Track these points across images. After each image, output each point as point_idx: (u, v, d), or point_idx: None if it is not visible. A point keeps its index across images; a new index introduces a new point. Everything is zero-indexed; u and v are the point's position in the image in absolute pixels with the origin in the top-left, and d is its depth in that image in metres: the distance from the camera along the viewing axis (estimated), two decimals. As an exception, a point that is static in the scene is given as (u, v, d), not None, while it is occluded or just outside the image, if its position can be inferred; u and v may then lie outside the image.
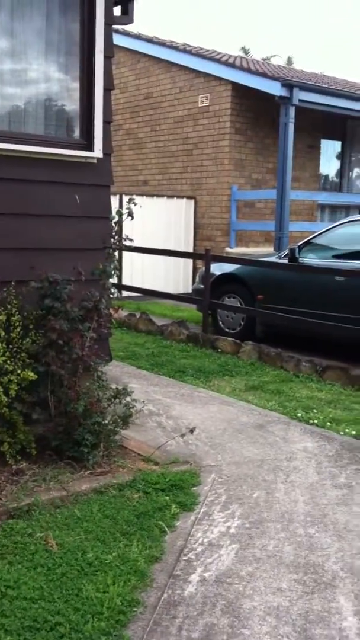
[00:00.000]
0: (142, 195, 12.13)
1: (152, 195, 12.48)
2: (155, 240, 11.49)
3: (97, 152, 4.43)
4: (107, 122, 4.52)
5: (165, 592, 2.80)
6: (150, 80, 13.69)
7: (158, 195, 12.50)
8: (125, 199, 11.62)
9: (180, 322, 8.36)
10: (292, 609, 2.72)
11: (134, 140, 14.24)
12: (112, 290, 4.25)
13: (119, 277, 10.97)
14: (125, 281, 11.07)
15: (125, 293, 11.19)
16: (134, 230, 11.47)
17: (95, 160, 4.48)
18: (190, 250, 12.71)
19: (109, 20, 4.46)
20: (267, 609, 2.71)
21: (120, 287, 10.69)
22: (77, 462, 3.93)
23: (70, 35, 4.46)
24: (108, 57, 4.47)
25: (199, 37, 60.48)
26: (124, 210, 4.11)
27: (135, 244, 7.89)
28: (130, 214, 4.09)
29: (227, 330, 8.48)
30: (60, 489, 3.62)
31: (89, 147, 4.44)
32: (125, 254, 10.63)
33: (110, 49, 4.52)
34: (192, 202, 12.84)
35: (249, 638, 2.52)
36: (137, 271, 11.48)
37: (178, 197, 12.70)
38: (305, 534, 3.35)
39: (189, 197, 12.81)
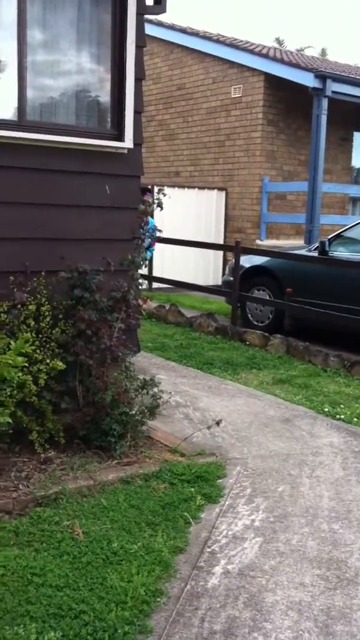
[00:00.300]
0: (173, 186, 12.13)
1: (183, 187, 12.46)
2: (186, 232, 11.49)
3: (128, 142, 4.43)
4: (137, 112, 4.51)
5: (188, 584, 2.82)
6: (183, 71, 13.64)
7: (189, 187, 12.49)
8: (155, 189, 11.66)
9: (209, 314, 8.34)
10: (314, 604, 2.71)
11: (166, 131, 14.22)
12: (141, 281, 4.25)
13: (150, 269, 11.01)
14: (156, 272, 11.09)
15: (155, 284, 11.24)
16: (164, 222, 11.52)
17: (125, 151, 4.48)
18: (221, 242, 12.68)
19: (141, 9, 4.44)
20: (290, 603, 2.71)
21: (150, 278, 10.74)
22: (105, 452, 3.96)
23: (102, 25, 4.45)
24: (140, 47, 4.46)
25: (233, 27, 60.01)
26: (155, 201, 4.10)
27: (166, 235, 7.86)
28: (160, 205, 4.09)
29: (255, 323, 8.45)
30: (87, 478, 3.65)
31: (120, 137, 4.44)
32: (156, 245, 10.65)
33: (142, 38, 4.50)
34: (223, 193, 12.79)
35: (271, 632, 2.52)
36: (167, 262, 11.49)
37: (209, 188, 12.67)
38: (330, 530, 3.33)
39: (220, 189, 12.76)
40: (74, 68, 4.45)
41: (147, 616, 2.58)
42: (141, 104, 4.60)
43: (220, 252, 12.54)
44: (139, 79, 4.55)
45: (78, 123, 4.49)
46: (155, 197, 4.14)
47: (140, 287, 4.23)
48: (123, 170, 4.53)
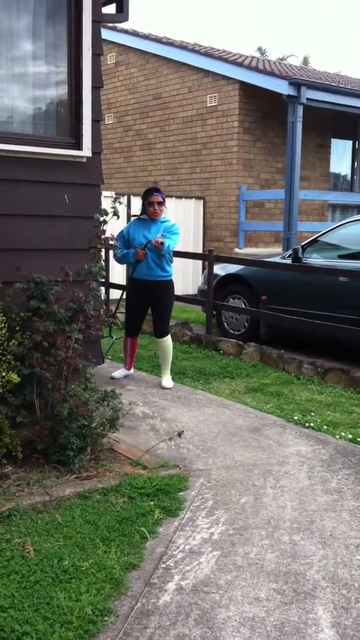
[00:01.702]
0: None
1: (160, 196, 12.41)
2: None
3: (86, 150, 4.38)
4: (96, 121, 4.47)
5: (139, 601, 2.73)
6: (159, 80, 13.63)
7: (167, 196, 12.42)
8: (134, 199, 11.62)
9: (184, 323, 8.28)
10: (268, 619, 2.63)
11: (144, 141, 14.20)
12: (99, 290, 4.18)
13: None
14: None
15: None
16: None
17: (84, 159, 4.43)
18: (200, 251, 12.63)
19: (97, 17, 4.40)
20: (242, 619, 2.63)
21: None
22: (63, 466, 3.87)
23: (59, 33, 4.40)
24: (97, 55, 4.42)
25: (216, 38, 60.43)
26: (110, 210, 4.03)
27: None
28: (116, 214, 4.02)
29: (231, 331, 8.39)
30: (43, 493, 3.57)
31: (78, 146, 4.39)
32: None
33: (99, 46, 4.46)
34: (200, 202, 12.76)
35: (221, 650, 2.44)
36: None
37: (187, 197, 12.63)
38: (290, 541, 3.26)
39: (197, 198, 12.73)
40: (31, 77, 4.40)
41: (93, 636, 2.49)
42: (99, 112, 4.55)
43: (200, 262, 12.49)
44: (97, 87, 4.51)
45: (35, 132, 4.43)
46: (111, 206, 4.07)
47: (99, 297, 4.15)
48: (82, 179, 4.48)
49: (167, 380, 5.97)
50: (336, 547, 3.21)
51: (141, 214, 5.98)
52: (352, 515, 3.54)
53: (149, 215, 5.85)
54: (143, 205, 5.93)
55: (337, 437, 4.77)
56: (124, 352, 6.30)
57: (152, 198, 5.80)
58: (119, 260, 5.97)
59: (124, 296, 6.36)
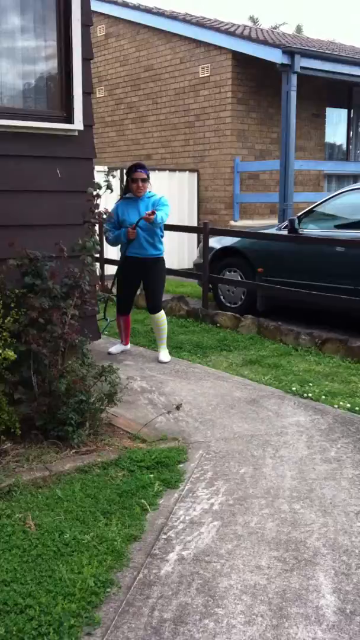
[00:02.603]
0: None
1: (154, 169, 12.29)
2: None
3: (78, 124, 4.32)
4: (87, 93, 4.41)
5: (141, 572, 2.75)
6: (150, 52, 13.44)
7: (160, 169, 12.33)
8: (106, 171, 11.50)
9: (180, 297, 8.26)
10: (270, 587, 2.66)
11: (136, 114, 14.04)
12: (94, 265, 4.15)
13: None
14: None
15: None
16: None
17: (76, 133, 4.38)
18: (195, 224, 12.56)
19: (85, -14, 4.31)
20: (244, 587, 2.65)
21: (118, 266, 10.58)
22: (63, 442, 3.88)
23: (47, 4, 4.32)
24: (86, 26, 4.34)
25: (207, 7, 59.42)
26: (103, 184, 3.99)
27: None
28: (109, 187, 3.98)
29: (228, 304, 8.38)
30: (43, 469, 3.58)
31: (69, 119, 4.34)
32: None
33: (88, 16, 4.38)
34: (195, 175, 12.66)
35: (223, 618, 2.46)
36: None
37: (180, 170, 12.53)
38: (290, 510, 3.28)
39: (191, 170, 12.63)
40: (20, 50, 4.32)
41: (96, 607, 2.52)
42: (90, 85, 4.49)
43: (195, 235, 12.43)
44: (87, 59, 4.43)
45: (26, 106, 4.37)
46: (104, 180, 4.03)
47: (93, 271, 4.13)
48: (74, 152, 4.43)
49: (164, 355, 5.97)
50: (336, 515, 3.23)
51: (125, 192, 5.91)
52: (351, 484, 3.56)
53: (133, 192, 5.78)
54: (127, 182, 5.86)
55: (336, 406, 4.78)
56: (118, 329, 6.29)
57: (135, 174, 5.73)
58: (112, 243, 5.96)
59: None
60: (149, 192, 5.87)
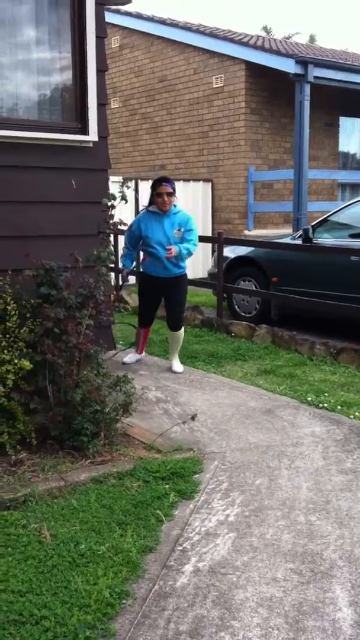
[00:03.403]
0: (158, 179, 12.01)
1: (168, 180, 12.34)
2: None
3: (92, 135, 4.35)
4: (101, 105, 4.44)
5: (156, 584, 2.74)
6: (164, 62, 13.51)
7: (174, 179, 12.35)
8: (142, 183, 11.55)
9: (194, 307, 8.26)
10: (286, 599, 2.64)
11: (150, 124, 14.11)
12: (109, 275, 4.16)
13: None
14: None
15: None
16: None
17: (90, 144, 4.41)
18: (209, 234, 12.56)
19: (100, 0, 4.34)
20: (260, 599, 2.63)
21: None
22: (78, 452, 3.88)
23: (62, 17, 4.36)
24: (100, 38, 4.38)
25: (222, 19, 59.79)
26: (118, 194, 4.00)
27: None
28: (124, 198, 3.99)
29: (243, 314, 8.36)
30: (58, 479, 3.58)
31: (84, 130, 4.37)
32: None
33: (103, 28, 4.42)
34: (209, 185, 12.68)
35: (239, 631, 2.45)
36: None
37: (195, 180, 12.56)
38: (306, 522, 3.25)
39: (205, 180, 12.65)
40: (36, 62, 4.37)
41: (111, 619, 2.51)
42: (105, 96, 4.52)
43: (209, 245, 12.43)
44: (102, 70, 4.47)
45: (41, 117, 4.41)
46: (119, 191, 4.04)
47: (108, 282, 4.14)
48: (89, 164, 4.46)
49: (177, 365, 5.95)
50: (352, 527, 3.20)
51: (149, 204, 5.74)
52: (367, 495, 3.53)
53: (159, 206, 5.59)
54: (152, 196, 5.68)
55: (352, 417, 4.75)
56: (137, 338, 6.28)
57: (161, 188, 5.54)
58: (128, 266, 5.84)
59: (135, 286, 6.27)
60: (175, 206, 5.72)
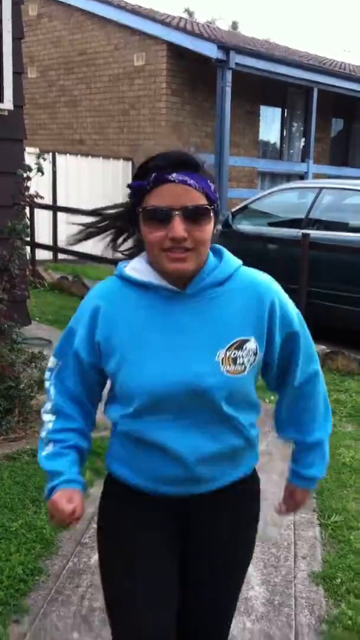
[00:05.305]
0: (77, 154, 11.81)
1: (87, 155, 12.15)
2: (93, 202, 11.20)
3: (7, 103, 4.20)
4: (17, 73, 4.28)
5: (70, 561, 2.72)
6: (84, 36, 13.22)
7: (93, 156, 12.19)
8: (59, 157, 11.32)
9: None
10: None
11: (69, 97, 13.80)
12: (24, 249, 4.05)
13: (54, 239, 10.65)
14: (62, 243, 10.75)
15: (61, 255, 10.87)
16: (69, 191, 11.19)
17: (5, 112, 4.25)
18: (127, 214, 12.47)
19: None
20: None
21: (55, 249, 10.39)
22: (-10, 428, 3.79)
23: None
24: (16, 3, 4.21)
25: (142, -4, 59.05)
26: (34, 166, 3.88)
27: (71, 204, 7.41)
28: (40, 170, 3.88)
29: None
30: (-31, 456, 3.48)
31: (-1, 97, 4.20)
32: (61, 214, 10.26)
33: (20, -6, 4.25)
34: (129, 163, 12.56)
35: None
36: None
37: (115, 158, 12.41)
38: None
39: (125, 159, 12.53)
40: None
41: (24, 595, 2.48)
42: (21, 64, 4.37)
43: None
44: (18, 37, 4.30)
45: None
46: (35, 162, 3.91)
47: (23, 255, 4.03)
48: (3, 133, 4.29)
49: None
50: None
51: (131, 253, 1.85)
52: None
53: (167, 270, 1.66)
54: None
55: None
56: None
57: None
58: None
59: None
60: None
